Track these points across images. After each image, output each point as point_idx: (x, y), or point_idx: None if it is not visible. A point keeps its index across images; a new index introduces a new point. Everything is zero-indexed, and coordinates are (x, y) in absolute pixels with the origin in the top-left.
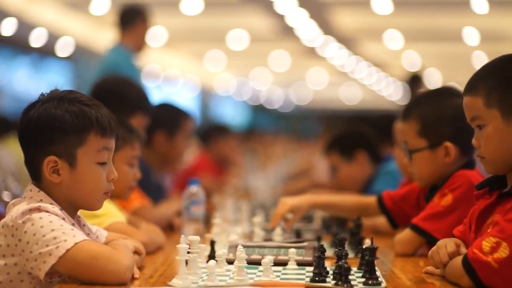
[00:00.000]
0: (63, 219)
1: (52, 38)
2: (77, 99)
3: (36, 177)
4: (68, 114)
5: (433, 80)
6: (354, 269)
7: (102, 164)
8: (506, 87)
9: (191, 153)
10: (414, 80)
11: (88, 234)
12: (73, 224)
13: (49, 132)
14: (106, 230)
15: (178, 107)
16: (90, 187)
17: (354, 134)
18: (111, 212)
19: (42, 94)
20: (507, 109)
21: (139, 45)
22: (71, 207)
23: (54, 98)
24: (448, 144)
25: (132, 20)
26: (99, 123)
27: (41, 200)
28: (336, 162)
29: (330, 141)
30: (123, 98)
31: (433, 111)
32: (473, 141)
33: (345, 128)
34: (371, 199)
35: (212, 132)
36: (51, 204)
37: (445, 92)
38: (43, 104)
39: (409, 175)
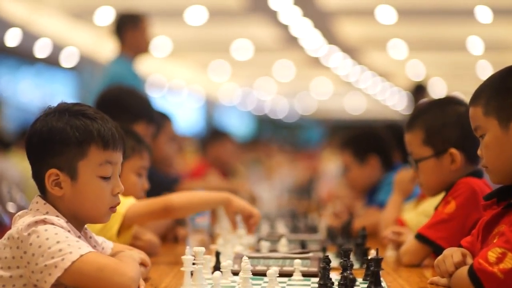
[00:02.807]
0: (69, 231)
1: (57, 49)
2: (80, 111)
3: (42, 190)
4: (69, 126)
5: (438, 89)
6: (359, 280)
7: (106, 178)
8: (504, 96)
9: (188, 160)
10: (418, 90)
11: (94, 247)
12: (79, 237)
13: (50, 145)
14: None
15: (161, 110)
16: (92, 200)
17: (370, 136)
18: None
19: (49, 107)
20: (505, 117)
21: (138, 50)
22: (76, 220)
23: (58, 110)
24: (453, 150)
25: (123, 29)
26: (101, 136)
27: (47, 213)
28: (348, 162)
29: (345, 139)
30: (125, 107)
31: (437, 119)
32: (478, 152)
33: (361, 127)
34: None
35: (209, 137)
36: (57, 216)
37: (448, 101)
38: (46, 116)
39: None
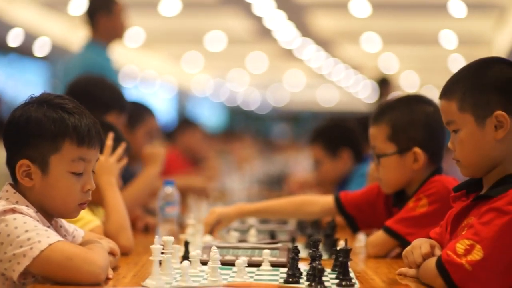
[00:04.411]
0: (38, 221)
1: (30, 38)
2: (59, 105)
3: (14, 179)
4: (46, 118)
5: (410, 83)
6: (328, 270)
7: (77, 174)
8: (480, 92)
9: None
10: (383, 83)
11: (64, 236)
12: (48, 227)
13: (25, 135)
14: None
15: (145, 104)
16: (62, 195)
17: (340, 130)
18: (85, 218)
19: (31, 96)
20: (481, 114)
21: (112, 36)
22: (46, 213)
23: (38, 101)
24: (417, 150)
25: (96, 13)
26: (77, 131)
27: (17, 202)
28: (320, 156)
29: (314, 133)
30: (96, 97)
31: (404, 117)
32: (449, 144)
33: (329, 120)
34: (320, 199)
35: (179, 126)
36: (27, 206)
37: (417, 99)
38: (26, 105)
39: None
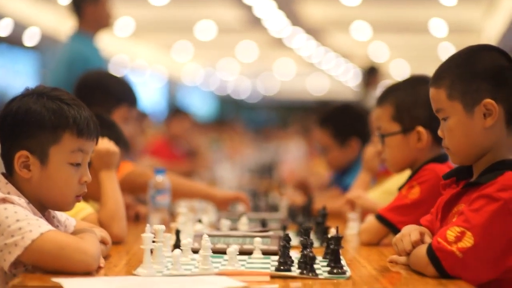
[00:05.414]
0: (29, 211)
1: (19, 28)
2: (58, 96)
3: (9, 170)
4: (46, 110)
5: (400, 71)
6: (319, 258)
7: (76, 165)
8: (469, 80)
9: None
10: (371, 71)
11: (57, 227)
12: (40, 217)
13: (24, 126)
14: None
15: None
16: (60, 187)
17: (350, 117)
18: (77, 205)
19: (27, 88)
20: (469, 102)
21: (99, 25)
22: (40, 205)
23: (36, 93)
24: (420, 129)
25: (82, 3)
26: (76, 123)
27: (8, 193)
28: (327, 142)
29: (323, 117)
30: (107, 90)
31: (407, 96)
32: (439, 132)
33: (340, 104)
34: None
35: (169, 115)
36: (18, 197)
37: (421, 80)
38: (23, 97)
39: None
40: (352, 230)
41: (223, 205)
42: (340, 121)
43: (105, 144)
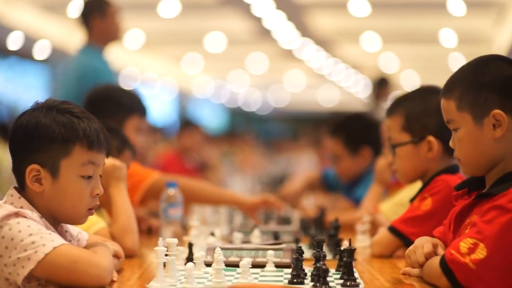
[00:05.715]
0: (42, 226)
1: (30, 42)
2: (67, 109)
3: (21, 184)
4: (55, 123)
5: (411, 82)
6: (332, 270)
7: (87, 178)
8: (477, 91)
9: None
10: (381, 83)
11: (70, 241)
12: (53, 231)
13: (34, 140)
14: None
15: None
16: (72, 200)
17: (362, 126)
18: (90, 219)
19: (36, 102)
20: (478, 113)
21: (107, 38)
22: (53, 218)
23: (46, 106)
24: (431, 138)
25: (90, 16)
26: (86, 135)
27: (21, 207)
28: (339, 151)
29: (335, 126)
30: (117, 102)
31: (417, 106)
32: (450, 143)
33: (351, 112)
34: None
35: (180, 127)
36: (31, 211)
37: (430, 90)
38: (33, 111)
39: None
40: (362, 242)
41: (252, 211)
42: (352, 130)
43: (110, 160)
